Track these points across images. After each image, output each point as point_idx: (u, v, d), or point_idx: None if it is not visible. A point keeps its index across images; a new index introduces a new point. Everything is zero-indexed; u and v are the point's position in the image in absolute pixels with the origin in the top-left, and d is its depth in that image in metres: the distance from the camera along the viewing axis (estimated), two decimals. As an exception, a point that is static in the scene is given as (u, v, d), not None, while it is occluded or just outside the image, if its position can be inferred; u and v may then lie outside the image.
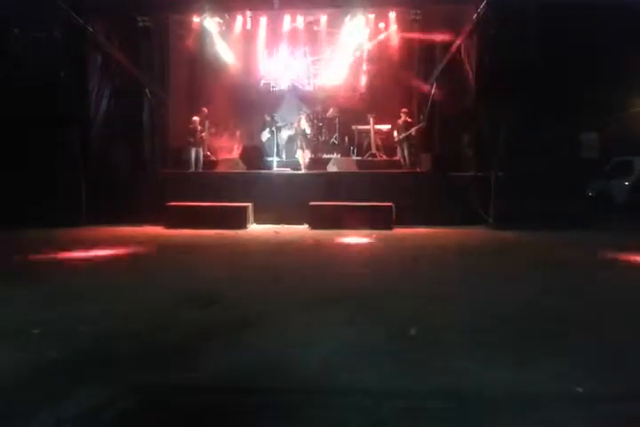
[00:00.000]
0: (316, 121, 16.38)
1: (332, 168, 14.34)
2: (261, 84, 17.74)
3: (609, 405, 3.18)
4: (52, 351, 3.92)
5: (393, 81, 16.41)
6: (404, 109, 15.10)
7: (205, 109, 15.36)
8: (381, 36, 16.51)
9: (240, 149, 16.31)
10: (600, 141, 12.27)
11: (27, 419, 2.94)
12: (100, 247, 9.11)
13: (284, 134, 15.48)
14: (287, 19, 16.42)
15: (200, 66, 17.12)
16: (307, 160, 14.36)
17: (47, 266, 7.46)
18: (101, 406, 3.12)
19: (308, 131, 14.72)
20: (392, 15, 15.86)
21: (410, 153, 14.91)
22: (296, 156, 14.67)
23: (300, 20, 16.47)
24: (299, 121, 14.90)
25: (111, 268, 7.41)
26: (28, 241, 9.85)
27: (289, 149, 15.76)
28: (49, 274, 6.85)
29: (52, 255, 8.31)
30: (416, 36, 15.55)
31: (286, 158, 15.48)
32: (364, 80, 16.95)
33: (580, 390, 3.27)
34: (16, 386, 3.37)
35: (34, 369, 3.62)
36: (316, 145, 15.63)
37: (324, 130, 16.65)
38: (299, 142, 14.58)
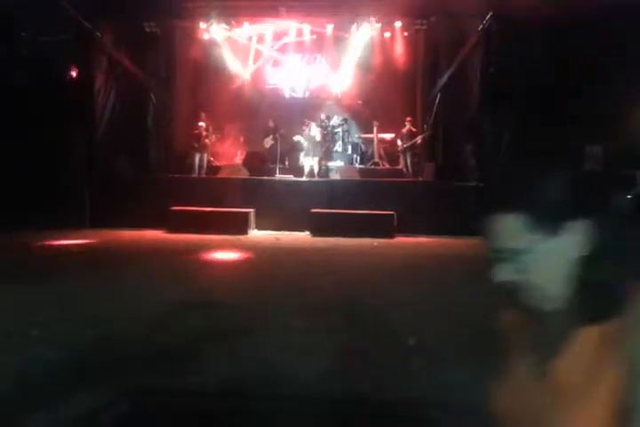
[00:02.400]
0: (320, 129, 16.43)
1: (334, 176, 14.35)
2: (266, 91, 17.79)
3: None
4: (53, 352, 3.95)
5: (397, 90, 16.46)
6: (408, 118, 15.14)
7: (209, 115, 15.41)
8: (387, 46, 16.55)
9: (243, 154, 16.36)
10: (604, 154, 12.25)
11: (26, 422, 2.95)
12: (96, 251, 9.17)
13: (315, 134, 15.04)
14: (293, 26, 16.47)
15: (205, 72, 17.18)
16: (315, 168, 14.34)
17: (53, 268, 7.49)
18: (101, 409, 3.13)
19: (318, 138, 14.72)
20: (398, 25, 15.90)
21: (413, 162, 14.93)
22: (301, 163, 14.68)
23: (306, 28, 16.53)
24: (309, 128, 14.90)
25: (110, 270, 7.43)
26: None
27: (293, 155, 15.78)
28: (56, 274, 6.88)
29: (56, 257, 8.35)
30: (421, 45, 15.63)
31: (289, 165, 15.49)
32: (368, 89, 16.96)
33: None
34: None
35: (31, 370, 3.63)
36: (326, 153, 15.61)
37: (327, 137, 16.66)
38: (306, 150, 14.58)
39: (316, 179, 13.89)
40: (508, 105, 11.05)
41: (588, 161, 11.94)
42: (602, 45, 10.62)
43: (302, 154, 14.70)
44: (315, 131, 14.67)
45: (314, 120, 15.89)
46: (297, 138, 14.78)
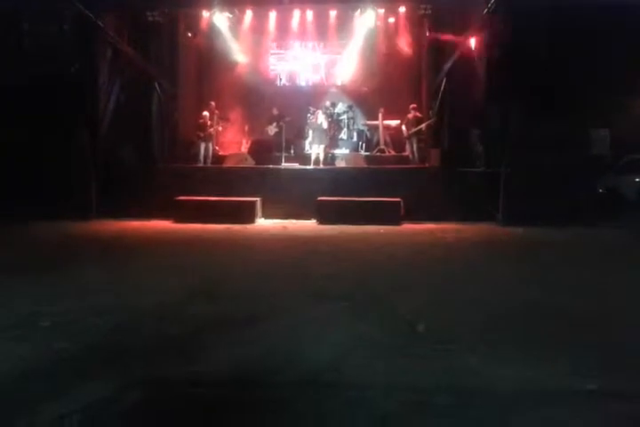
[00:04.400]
0: (325, 116, 16.41)
1: (340, 163, 14.31)
2: (270, 79, 17.73)
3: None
4: (62, 343, 3.97)
5: (402, 76, 16.37)
6: (413, 105, 15.06)
7: (214, 103, 15.40)
8: (391, 31, 16.45)
9: (249, 143, 16.35)
10: (611, 138, 12.16)
11: (36, 410, 2.97)
12: (103, 241, 9.21)
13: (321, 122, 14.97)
14: (297, 13, 16.39)
15: (209, 60, 17.14)
16: (321, 156, 14.31)
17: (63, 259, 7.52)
18: (111, 398, 3.15)
19: (325, 126, 14.70)
20: (402, 10, 15.80)
21: (419, 148, 14.86)
22: (309, 150, 14.65)
23: (310, 15, 16.43)
24: (316, 116, 14.86)
25: (116, 261, 7.45)
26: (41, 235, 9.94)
27: (298, 143, 15.75)
28: (67, 266, 6.91)
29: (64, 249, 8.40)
30: (425, 31, 15.51)
31: (294, 153, 15.46)
32: (373, 75, 16.87)
33: (591, 387, 3.25)
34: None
35: (41, 361, 3.65)
36: (332, 141, 15.57)
37: (332, 125, 16.63)
38: (313, 137, 14.56)
39: (322, 166, 13.86)
40: (514, 90, 10.96)
41: (594, 145, 11.86)
42: (608, 28, 10.51)
43: (307, 142, 14.67)
44: (321, 118, 14.63)
45: (318, 107, 15.88)
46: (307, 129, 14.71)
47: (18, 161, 11.44)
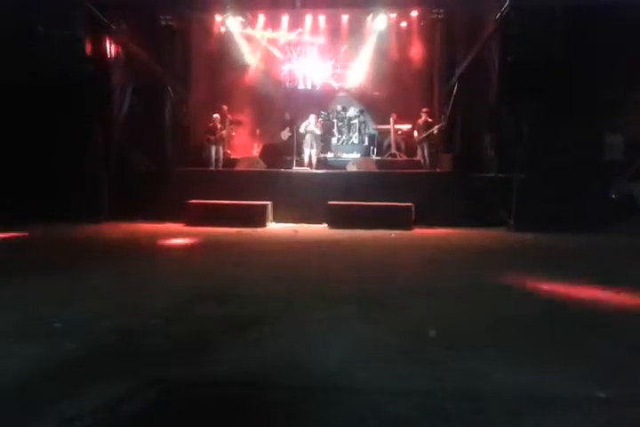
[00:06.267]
0: (336, 120, 16.41)
1: (351, 168, 14.30)
2: (282, 83, 17.76)
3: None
4: (71, 344, 3.97)
5: (414, 80, 16.33)
6: (424, 109, 15.02)
7: (226, 107, 15.44)
8: (403, 36, 16.44)
9: (260, 147, 16.37)
10: (625, 143, 12.03)
11: (46, 412, 2.96)
12: (114, 243, 9.23)
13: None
14: (309, 18, 16.42)
15: (222, 64, 17.18)
16: (313, 159, 14.44)
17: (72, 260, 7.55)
18: (120, 399, 3.14)
19: (318, 131, 14.82)
20: (414, 14, 15.78)
21: (430, 153, 14.83)
22: (303, 155, 14.76)
23: (322, 19, 16.46)
24: (309, 120, 14.91)
25: (127, 263, 7.47)
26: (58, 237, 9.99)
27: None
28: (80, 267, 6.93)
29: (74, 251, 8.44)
30: (438, 35, 15.48)
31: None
32: (385, 79, 16.85)
33: (601, 395, 3.21)
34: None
35: (49, 362, 3.66)
36: (324, 145, 15.67)
37: (343, 129, 16.64)
38: (307, 141, 14.66)
39: (334, 171, 13.85)
40: (527, 94, 10.89)
41: (608, 150, 11.75)
42: (625, 28, 10.42)
43: (303, 145, 14.78)
44: (313, 123, 14.71)
45: (329, 111, 15.95)
46: (302, 129, 14.85)
47: (30, 163, 11.50)
